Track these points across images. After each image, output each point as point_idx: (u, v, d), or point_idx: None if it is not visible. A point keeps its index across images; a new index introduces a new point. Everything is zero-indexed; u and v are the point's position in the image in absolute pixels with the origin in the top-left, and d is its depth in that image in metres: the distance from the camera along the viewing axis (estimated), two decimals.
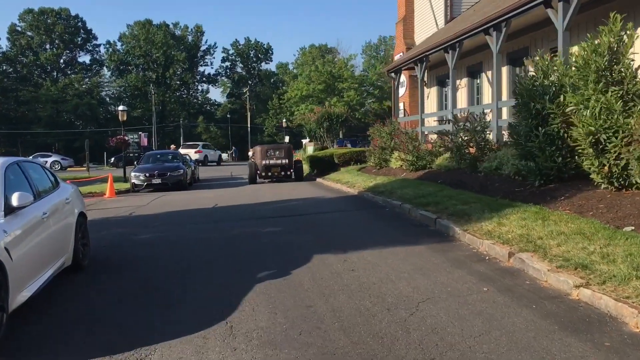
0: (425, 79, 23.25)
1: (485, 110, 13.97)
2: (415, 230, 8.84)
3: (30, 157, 37.72)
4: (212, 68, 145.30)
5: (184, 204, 15.26)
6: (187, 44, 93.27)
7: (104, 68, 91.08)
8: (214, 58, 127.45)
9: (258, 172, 22.94)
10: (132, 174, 20.98)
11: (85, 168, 33.68)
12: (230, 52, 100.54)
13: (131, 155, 25.19)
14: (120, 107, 25.24)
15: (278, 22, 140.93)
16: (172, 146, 30.90)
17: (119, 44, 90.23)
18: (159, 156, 23.84)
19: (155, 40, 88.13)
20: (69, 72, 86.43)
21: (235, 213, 12.59)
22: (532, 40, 14.65)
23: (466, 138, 12.73)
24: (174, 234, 10.00)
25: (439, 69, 21.39)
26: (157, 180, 20.59)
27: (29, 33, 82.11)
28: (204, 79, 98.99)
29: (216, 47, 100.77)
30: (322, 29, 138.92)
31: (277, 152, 23.01)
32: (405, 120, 21.14)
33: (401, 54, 24.72)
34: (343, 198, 14.79)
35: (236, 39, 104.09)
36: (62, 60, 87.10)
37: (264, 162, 22.75)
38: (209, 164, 44.29)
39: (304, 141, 53.73)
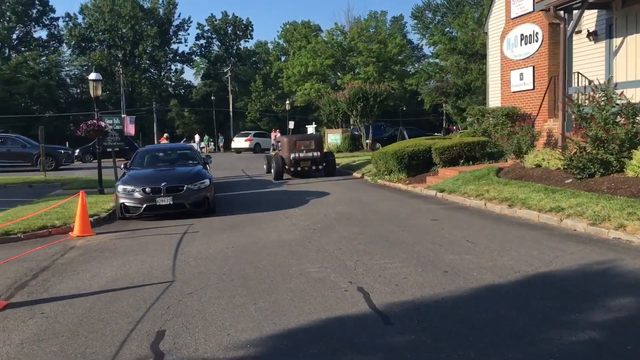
0: (583, 27, 14.65)
1: None
2: None
3: None
4: (186, 46, 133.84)
5: (273, 286, 6.35)
6: (158, 17, 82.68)
7: (64, 45, 79.94)
8: (188, 34, 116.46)
9: (286, 166, 19.65)
10: (120, 187, 11.85)
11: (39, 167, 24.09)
12: (206, 28, 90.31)
13: (110, 149, 15.97)
14: (92, 76, 15.84)
15: None
16: (165, 136, 21.77)
17: (80, 17, 79.14)
18: (161, 154, 14.58)
19: (122, 12, 77.37)
20: (22, 49, 75.04)
21: None
22: None
23: None
24: None
25: None
26: (165, 200, 11.52)
27: None
28: (178, 57, 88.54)
29: (190, 22, 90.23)
30: (300, 5, 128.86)
31: (308, 144, 19.99)
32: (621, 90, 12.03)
33: None
34: None
35: (212, 14, 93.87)
36: (14, 36, 75.81)
37: (292, 155, 19.53)
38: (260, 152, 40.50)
39: (310, 127, 44.64)
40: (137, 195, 11.55)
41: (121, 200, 11.63)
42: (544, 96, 15.44)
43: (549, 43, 15.77)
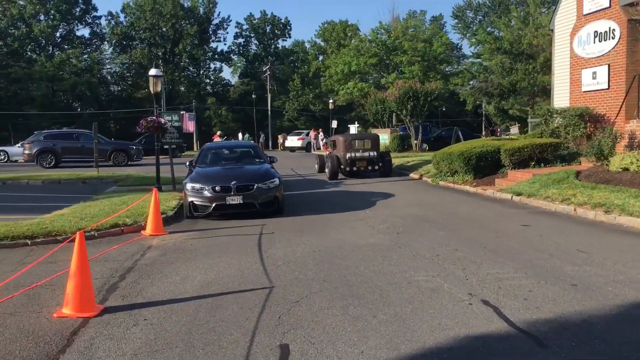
0: None
1: None
2: None
3: None
4: (224, 45, 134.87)
5: (385, 295, 5.92)
6: (198, 16, 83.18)
7: (105, 43, 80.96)
8: (227, 33, 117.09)
9: (341, 166, 19.33)
10: (189, 185, 11.53)
11: (91, 163, 24.14)
12: (245, 27, 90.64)
13: (166, 146, 15.76)
14: (152, 71, 15.65)
15: None
16: (218, 134, 21.58)
17: (121, 15, 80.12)
18: (226, 152, 14.23)
19: (163, 11, 78.03)
20: (65, 46, 76.29)
21: None
22: None
23: None
24: None
25: None
26: (235, 199, 11.16)
27: (21, 2, 71.64)
28: (217, 56, 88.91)
29: (230, 21, 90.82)
30: (339, 3, 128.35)
31: (364, 143, 19.51)
32: None
33: None
34: None
35: (251, 13, 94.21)
36: (58, 34, 77.03)
37: (348, 154, 19.11)
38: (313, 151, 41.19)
39: (353, 127, 44.13)
40: (207, 193, 11.21)
41: (190, 199, 11.30)
42: (625, 96, 14.64)
43: (628, 40, 14.97)
